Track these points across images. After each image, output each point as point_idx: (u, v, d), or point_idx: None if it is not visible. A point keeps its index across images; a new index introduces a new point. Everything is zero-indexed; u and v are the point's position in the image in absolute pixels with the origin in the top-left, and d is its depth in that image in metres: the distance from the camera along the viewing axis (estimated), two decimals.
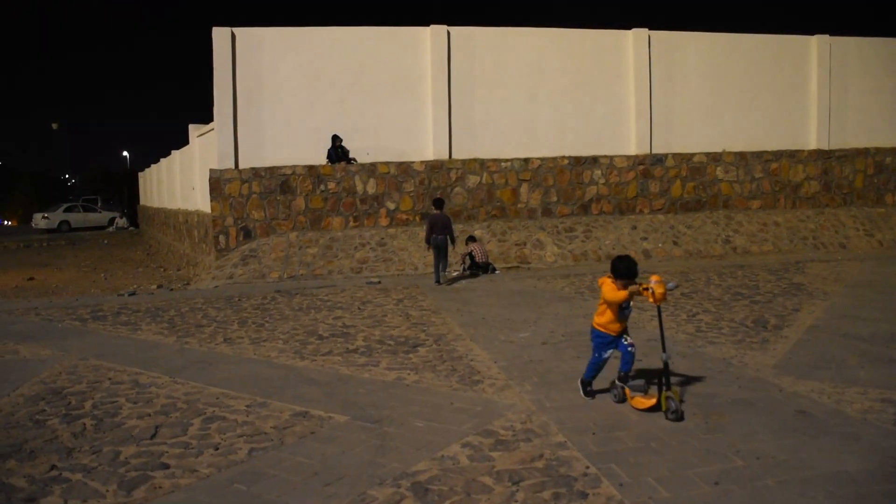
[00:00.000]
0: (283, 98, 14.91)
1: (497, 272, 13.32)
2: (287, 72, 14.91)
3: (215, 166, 14.72)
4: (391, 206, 15.13)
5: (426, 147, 15.51)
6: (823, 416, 4.79)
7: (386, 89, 15.32)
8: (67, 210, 41.65)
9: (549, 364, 6.40)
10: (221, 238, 14.57)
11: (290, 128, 14.94)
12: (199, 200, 18.40)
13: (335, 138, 14.87)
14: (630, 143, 16.48)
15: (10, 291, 15.19)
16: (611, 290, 4.93)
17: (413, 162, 15.26)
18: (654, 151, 16.49)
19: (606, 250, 14.81)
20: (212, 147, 15.49)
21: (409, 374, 6.20)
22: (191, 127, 21.06)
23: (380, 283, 12.33)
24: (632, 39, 16.36)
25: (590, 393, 5.27)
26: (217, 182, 14.57)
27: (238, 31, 14.72)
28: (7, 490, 3.93)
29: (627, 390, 5.05)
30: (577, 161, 16.01)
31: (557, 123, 16.13)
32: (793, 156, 17.28)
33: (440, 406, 5.23)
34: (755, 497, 3.59)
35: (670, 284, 4.83)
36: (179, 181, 23.62)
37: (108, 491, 3.89)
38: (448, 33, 15.41)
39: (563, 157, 15.95)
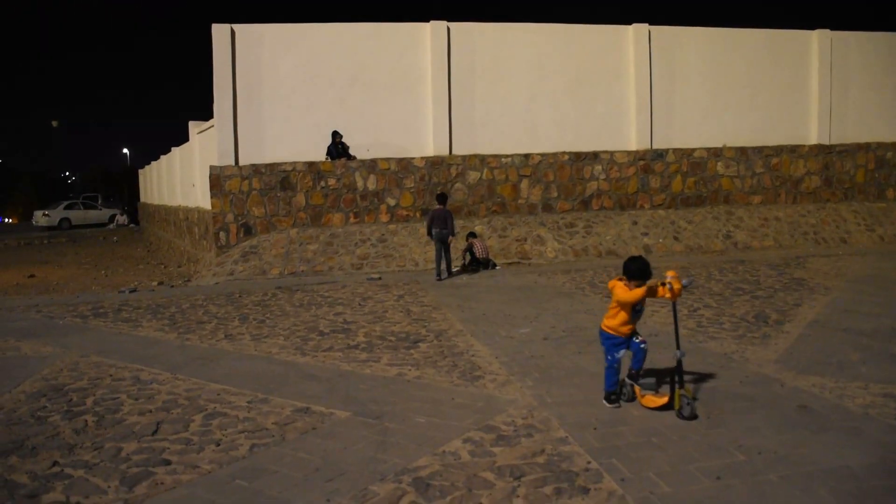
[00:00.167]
0: (282, 94, 14.89)
1: (497, 268, 13.32)
2: (287, 68, 14.89)
3: (215, 163, 14.71)
4: (391, 202, 15.12)
5: (426, 143, 15.50)
6: (825, 411, 4.79)
7: (386, 85, 15.30)
8: (68, 207, 41.68)
9: (550, 359, 6.39)
10: (222, 235, 14.56)
11: (290, 124, 14.93)
12: (200, 197, 18.39)
13: (335, 134, 14.85)
14: (630, 139, 16.46)
15: (11, 289, 15.20)
16: (624, 290, 4.79)
17: (413, 158, 15.24)
18: (654, 147, 16.47)
19: (607, 246, 14.81)
20: (212, 144, 15.48)
21: (410, 369, 6.20)
22: (191, 124, 21.04)
23: (380, 279, 12.33)
24: (632, 35, 16.32)
25: (614, 401, 4.99)
26: (217, 179, 14.56)
27: (238, 27, 14.69)
28: (9, 486, 3.93)
29: (637, 389, 4.96)
30: (578, 157, 15.99)
31: (558, 119, 16.10)
32: (793, 151, 17.25)
33: (441, 402, 5.22)
34: (757, 492, 3.58)
35: (685, 280, 4.72)
36: (180, 178, 23.61)
37: (109, 487, 3.89)
38: (448, 29, 15.38)
39: (564, 153, 15.93)
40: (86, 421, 5.03)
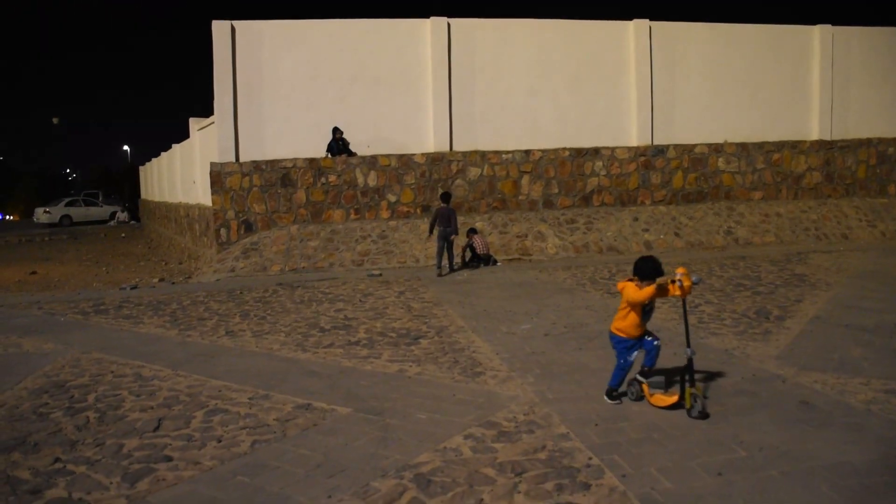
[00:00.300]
0: (283, 91, 14.88)
1: (498, 264, 13.32)
2: (287, 64, 14.87)
3: (216, 159, 14.70)
4: (392, 198, 15.11)
5: (427, 139, 15.48)
6: (827, 406, 4.78)
7: (386, 81, 15.27)
8: (69, 204, 41.70)
9: (551, 356, 6.39)
10: (223, 231, 14.56)
11: (290, 120, 14.91)
12: (200, 194, 18.38)
13: (335, 130, 14.84)
14: (631, 135, 16.43)
15: (13, 286, 15.21)
16: (634, 290, 4.70)
17: (414, 154, 15.23)
18: (655, 142, 16.44)
19: (608, 242, 14.80)
20: (212, 140, 15.47)
21: (411, 366, 6.20)
22: (191, 120, 21.01)
23: (381, 275, 12.33)
24: (633, 31, 16.29)
25: (616, 398, 4.97)
26: (218, 175, 14.55)
27: (238, 24, 14.67)
28: (12, 482, 3.94)
29: (646, 387, 4.88)
30: (579, 152, 15.97)
31: (558, 115, 16.08)
32: (795, 146, 17.22)
33: (442, 398, 5.23)
34: (758, 488, 3.58)
35: (695, 278, 4.62)
36: (180, 175, 23.59)
37: (111, 483, 3.90)
38: (448, 25, 15.35)
39: (565, 149, 15.91)
40: (87, 417, 5.03)
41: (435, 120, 15.39)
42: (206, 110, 17.65)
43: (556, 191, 15.88)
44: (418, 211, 15.12)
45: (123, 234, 31.67)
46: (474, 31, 15.60)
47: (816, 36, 17.43)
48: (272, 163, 14.65)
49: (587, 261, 13.53)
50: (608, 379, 5.27)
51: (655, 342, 4.87)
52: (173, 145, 25.29)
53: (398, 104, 15.36)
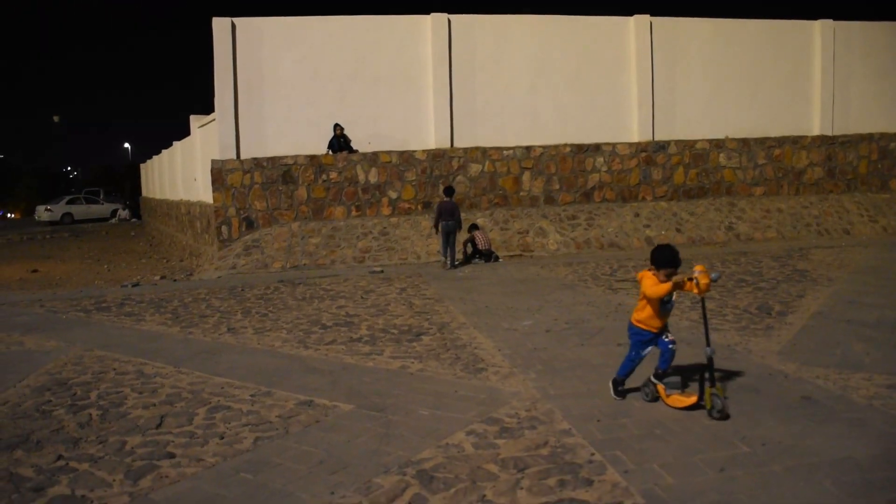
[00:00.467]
0: (283, 88, 14.87)
1: (499, 260, 13.34)
2: (288, 62, 14.86)
3: (217, 157, 14.70)
4: (393, 195, 15.10)
5: (428, 136, 15.47)
6: (829, 402, 4.78)
7: (387, 78, 15.26)
8: (70, 202, 41.74)
9: (553, 352, 6.39)
10: (224, 228, 14.57)
11: (291, 117, 14.90)
12: (201, 191, 18.38)
13: (336, 127, 14.84)
14: (632, 130, 16.41)
15: (15, 283, 15.23)
16: (652, 283, 4.57)
17: (415, 151, 15.22)
18: (656, 138, 16.43)
19: (609, 238, 14.80)
20: (213, 137, 15.46)
21: (413, 362, 6.20)
22: (192, 118, 21.00)
23: (382, 272, 12.34)
24: (633, 26, 16.26)
25: (621, 393, 4.90)
26: (219, 172, 14.55)
27: (238, 21, 14.66)
28: (15, 480, 3.94)
29: (661, 388, 4.74)
30: (580, 148, 15.95)
31: (559, 111, 16.06)
32: (796, 142, 17.20)
33: (444, 394, 5.23)
34: (761, 483, 3.58)
35: (714, 275, 4.52)
36: (181, 172, 23.59)
37: (114, 480, 3.90)
38: (449, 21, 15.32)
39: (566, 145, 15.90)
40: (90, 415, 5.04)
41: (436, 116, 15.37)
42: (207, 109, 17.62)
43: (557, 187, 15.86)
44: (419, 208, 15.12)
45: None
46: (475, 27, 15.58)
47: (817, 31, 17.39)
48: (273, 160, 14.65)
49: (588, 257, 13.52)
50: (610, 375, 5.26)
51: (671, 345, 4.72)
52: (174, 143, 25.28)
53: (399, 101, 15.34)
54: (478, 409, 4.87)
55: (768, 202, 16.64)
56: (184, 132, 22.84)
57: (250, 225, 14.60)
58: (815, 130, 17.48)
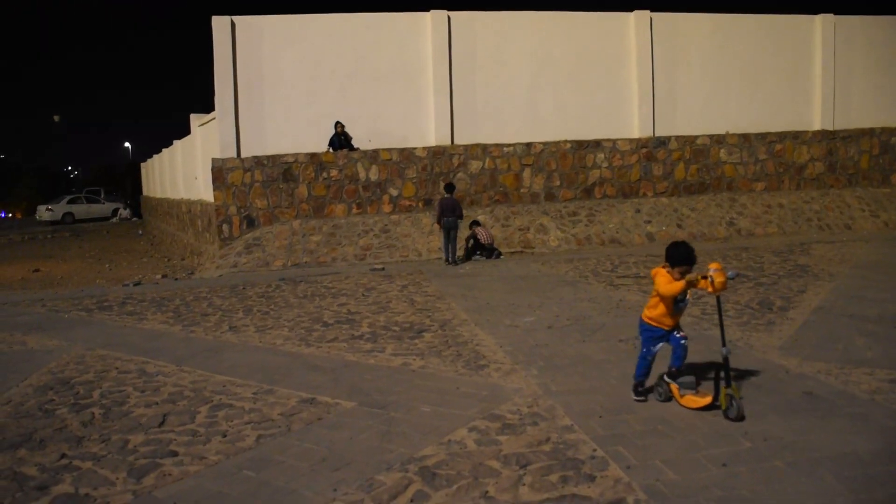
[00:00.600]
0: (283, 86, 14.86)
1: (501, 256, 13.36)
2: (288, 60, 14.85)
3: (217, 155, 14.70)
4: (394, 192, 15.10)
5: (428, 133, 15.46)
6: (831, 397, 4.78)
7: (387, 75, 15.25)
8: (71, 202, 41.75)
9: (554, 348, 6.40)
10: (225, 227, 14.57)
11: (291, 115, 14.90)
12: (202, 190, 18.39)
13: (338, 124, 14.83)
14: (633, 126, 16.40)
15: (17, 283, 15.25)
16: (666, 281, 4.49)
17: (415, 148, 15.22)
18: (657, 134, 16.41)
19: (610, 234, 14.79)
20: (213, 136, 15.46)
21: (414, 359, 6.20)
22: (192, 116, 21.01)
23: (384, 269, 12.34)
24: (633, 22, 16.23)
25: (642, 394, 4.78)
26: (219, 171, 14.55)
27: (238, 19, 14.65)
28: (19, 479, 3.95)
29: (675, 388, 4.64)
30: (580, 145, 15.94)
31: (560, 107, 16.04)
32: (797, 137, 17.18)
33: (446, 391, 5.23)
34: (763, 478, 3.58)
35: (731, 273, 4.43)
36: (182, 171, 23.60)
37: (117, 479, 3.91)
38: (448, 18, 15.30)
39: (566, 141, 15.89)
40: (93, 413, 5.04)
41: (436, 113, 15.36)
42: (207, 108, 17.62)
43: (558, 183, 15.86)
44: (420, 205, 15.12)
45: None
46: (475, 23, 15.56)
47: (818, 26, 17.35)
48: (273, 158, 14.65)
49: (589, 253, 13.52)
50: (612, 371, 5.28)
51: (682, 340, 4.63)
52: (175, 141, 25.28)
53: (399, 98, 15.33)
54: (480, 405, 4.87)
55: (769, 197, 16.63)
56: (184, 131, 22.85)
57: (251, 223, 14.61)
58: (816, 125, 17.45)
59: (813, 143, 17.25)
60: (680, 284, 4.44)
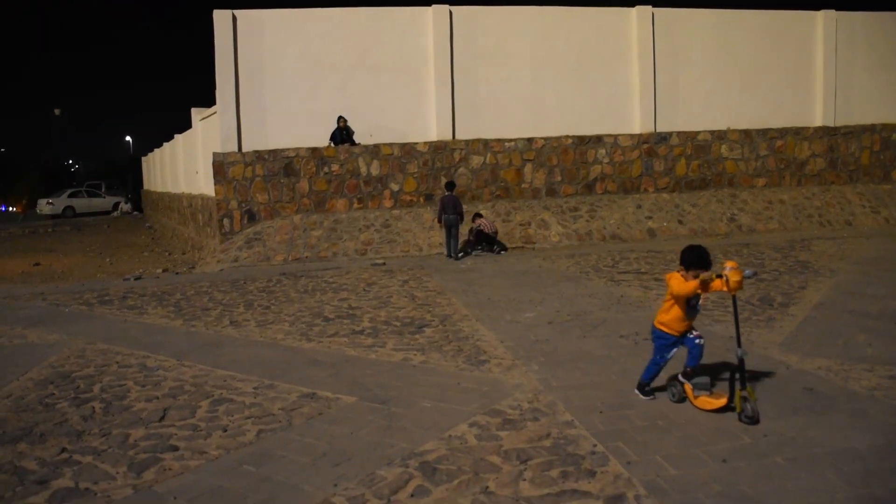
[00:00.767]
0: (285, 80, 14.83)
1: (506, 250, 13.45)
2: (289, 54, 14.81)
3: (218, 150, 14.68)
4: (395, 187, 15.09)
5: (429, 128, 15.43)
6: (831, 393, 4.78)
7: (388, 70, 15.21)
8: (72, 196, 41.75)
9: (555, 343, 6.40)
10: (226, 221, 14.57)
11: (292, 110, 14.87)
12: (203, 184, 18.38)
13: (340, 119, 14.81)
14: (634, 122, 16.37)
15: (17, 277, 15.25)
16: (680, 282, 4.46)
17: (416, 143, 15.20)
18: (658, 130, 16.38)
19: (611, 230, 14.78)
20: (215, 130, 15.44)
21: (415, 354, 6.21)
22: (193, 111, 20.98)
23: (385, 264, 12.34)
24: (635, 17, 16.19)
25: (648, 393, 4.75)
26: (220, 165, 14.54)
27: (239, 13, 14.61)
28: (19, 473, 3.96)
29: (689, 388, 4.58)
30: (582, 140, 15.91)
31: (561, 103, 16.01)
32: (798, 133, 17.15)
33: (447, 386, 5.23)
34: (763, 474, 3.59)
35: (748, 272, 4.36)
36: (183, 165, 23.58)
37: (118, 473, 3.92)
38: (450, 13, 15.27)
39: (567, 137, 15.86)
40: (93, 408, 5.05)
41: (437, 108, 15.34)
42: (208, 101, 17.59)
43: (559, 179, 15.84)
44: (421, 200, 15.11)
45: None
46: (476, 18, 15.52)
47: (820, 21, 17.31)
48: (275, 152, 14.63)
49: (590, 249, 13.51)
50: (612, 367, 5.28)
51: (698, 340, 4.57)
52: (176, 135, 25.26)
53: (400, 92, 15.30)
54: (480, 400, 4.87)
55: (770, 193, 16.61)
56: (185, 125, 22.82)
57: (252, 218, 14.60)
58: (818, 121, 17.42)
59: (814, 139, 17.22)
60: (693, 284, 4.38)
